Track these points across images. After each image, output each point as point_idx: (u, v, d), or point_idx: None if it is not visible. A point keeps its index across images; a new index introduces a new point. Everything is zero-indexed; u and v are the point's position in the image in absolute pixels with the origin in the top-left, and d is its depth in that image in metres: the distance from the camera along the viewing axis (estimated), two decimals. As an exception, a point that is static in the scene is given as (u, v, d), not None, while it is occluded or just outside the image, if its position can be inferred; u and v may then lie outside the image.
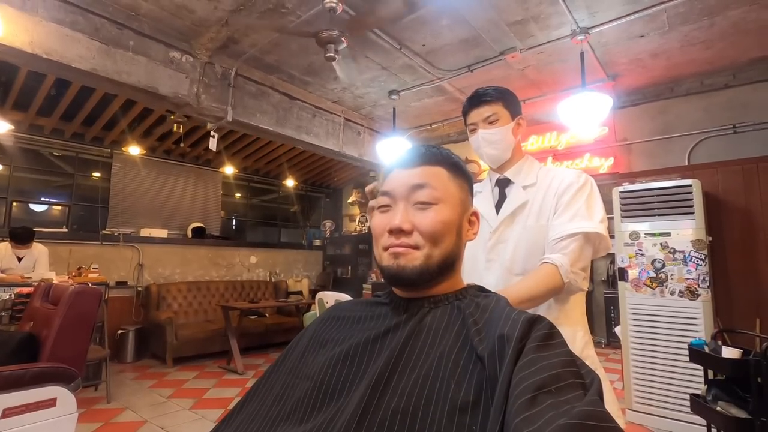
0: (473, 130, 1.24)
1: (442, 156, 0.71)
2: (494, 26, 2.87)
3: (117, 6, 2.73)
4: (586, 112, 3.06)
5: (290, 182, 6.78)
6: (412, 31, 2.97)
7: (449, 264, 0.68)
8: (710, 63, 3.39)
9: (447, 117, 4.64)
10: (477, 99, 1.22)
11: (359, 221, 6.82)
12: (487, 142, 1.21)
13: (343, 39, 2.57)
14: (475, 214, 0.74)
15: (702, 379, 2.24)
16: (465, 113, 1.26)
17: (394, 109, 4.29)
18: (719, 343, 2.14)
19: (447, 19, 2.80)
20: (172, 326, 4.38)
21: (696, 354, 2.15)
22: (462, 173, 0.73)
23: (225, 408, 3.05)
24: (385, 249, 0.67)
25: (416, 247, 0.66)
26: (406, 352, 0.61)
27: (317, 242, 7.06)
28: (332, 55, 2.58)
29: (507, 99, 1.21)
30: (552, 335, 0.55)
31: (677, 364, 2.83)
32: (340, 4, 2.55)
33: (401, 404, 0.54)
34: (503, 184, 1.26)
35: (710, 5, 2.64)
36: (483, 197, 1.28)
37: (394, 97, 4.03)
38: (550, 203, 1.15)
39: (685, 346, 2.30)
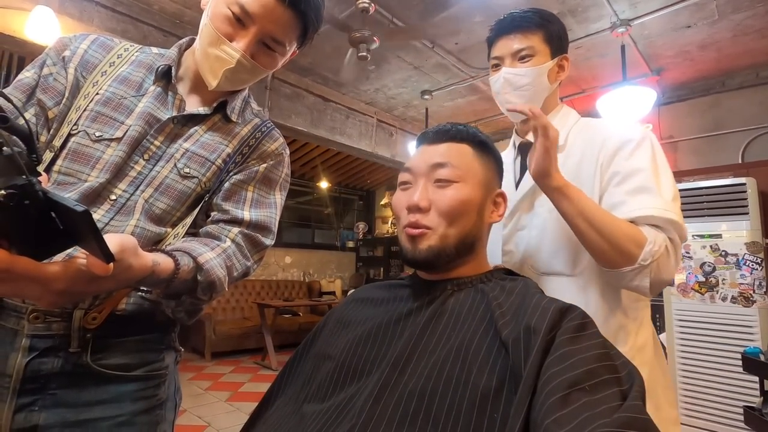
0: (496, 67, 0.91)
1: (469, 133, 0.70)
2: (529, 21, 2.80)
3: (164, 15, 2.89)
4: (628, 107, 2.93)
5: (324, 184, 6.89)
6: (444, 29, 2.95)
7: (468, 245, 0.67)
8: (767, 53, 3.16)
9: (480, 117, 4.56)
10: (509, 24, 0.88)
11: (392, 223, 6.83)
12: (511, 85, 0.88)
13: (375, 38, 2.59)
14: (501, 195, 0.72)
15: (757, 391, 2.07)
16: (490, 43, 0.93)
17: (427, 109, 4.28)
18: (777, 352, 1.98)
19: (480, 16, 2.77)
20: (211, 322, 4.55)
21: (751, 363, 2.00)
22: (489, 152, 0.71)
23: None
24: (404, 228, 0.67)
25: (430, 228, 0.65)
26: (427, 334, 0.60)
27: (350, 244, 7.13)
28: (365, 54, 2.61)
29: (550, 29, 0.88)
30: (585, 326, 0.53)
31: (729, 375, 2.63)
32: (372, 5, 2.58)
33: (419, 385, 0.53)
34: (526, 150, 0.91)
35: (766, -10, 2.47)
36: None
37: (426, 97, 4.02)
38: (589, 170, 0.83)
39: (738, 355, 2.14)
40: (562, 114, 0.93)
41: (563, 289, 0.82)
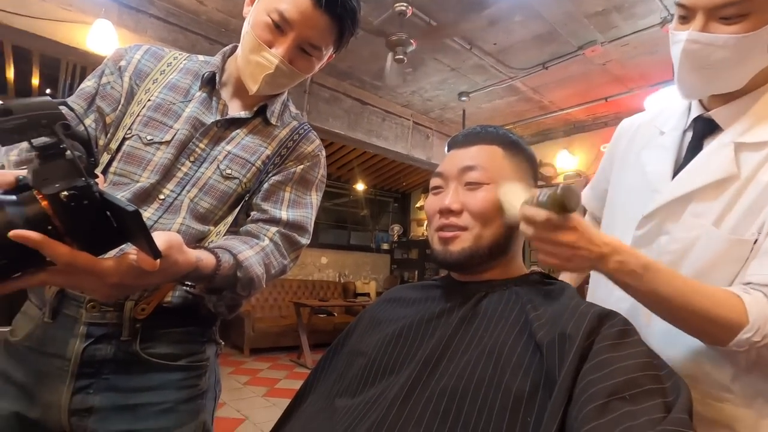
0: (683, 20, 0.61)
1: (498, 135, 0.70)
2: (571, 19, 2.72)
3: (210, 24, 3.04)
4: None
5: (360, 186, 6.96)
6: (482, 29, 2.92)
7: (501, 247, 0.66)
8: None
9: (520, 118, 4.46)
10: None
11: (427, 226, 6.80)
12: (695, 60, 0.60)
13: (411, 41, 2.60)
14: None
15: None
16: None
17: (464, 111, 4.24)
18: None
19: (520, 15, 2.71)
20: (250, 319, 4.70)
21: None
22: (521, 152, 0.70)
23: (294, 397, 3.20)
24: (436, 231, 0.67)
25: (465, 228, 0.65)
26: (459, 335, 0.60)
27: (385, 246, 7.15)
28: (401, 57, 2.63)
29: None
30: (627, 332, 0.51)
31: None
32: (409, 8, 2.59)
33: (450, 384, 0.53)
34: (703, 129, 0.68)
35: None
36: (660, 145, 0.72)
37: (463, 98, 3.98)
38: None
39: None
40: None
41: None
